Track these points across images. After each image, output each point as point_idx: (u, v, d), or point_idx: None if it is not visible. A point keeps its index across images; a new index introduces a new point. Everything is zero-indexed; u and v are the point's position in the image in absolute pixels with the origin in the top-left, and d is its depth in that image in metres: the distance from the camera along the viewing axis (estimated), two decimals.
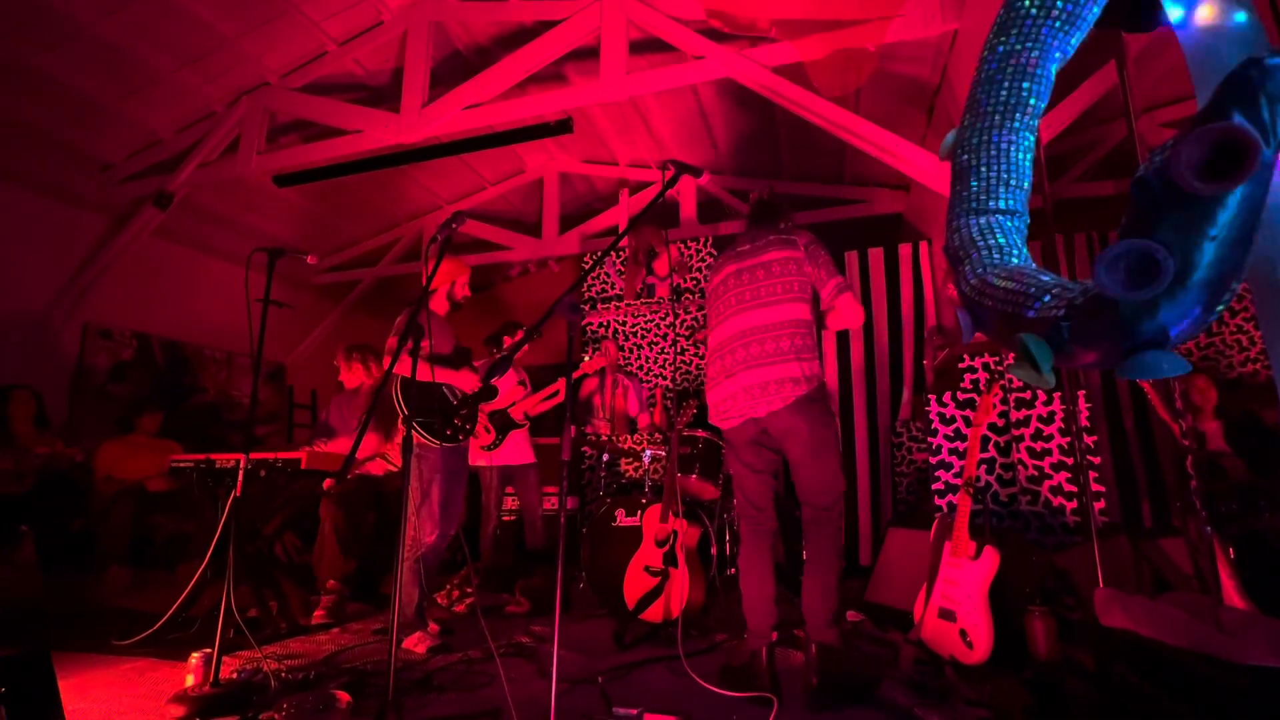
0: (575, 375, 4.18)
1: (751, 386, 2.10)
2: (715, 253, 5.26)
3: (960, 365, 3.35)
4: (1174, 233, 0.38)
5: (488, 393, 2.58)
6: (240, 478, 2.14)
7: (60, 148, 4.53)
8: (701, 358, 5.04)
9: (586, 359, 4.18)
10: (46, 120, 4.32)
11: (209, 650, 1.90)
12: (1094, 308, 0.44)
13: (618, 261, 5.44)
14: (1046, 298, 0.49)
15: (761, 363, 2.10)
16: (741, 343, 2.16)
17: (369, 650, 2.46)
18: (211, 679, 1.87)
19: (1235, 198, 0.37)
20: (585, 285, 5.51)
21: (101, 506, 3.84)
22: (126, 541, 3.78)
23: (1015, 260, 0.60)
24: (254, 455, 2.46)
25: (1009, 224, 0.63)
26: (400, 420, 2.40)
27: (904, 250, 4.86)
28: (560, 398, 4.11)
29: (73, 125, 4.44)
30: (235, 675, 2.00)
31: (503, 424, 3.58)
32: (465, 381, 2.58)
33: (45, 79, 4.01)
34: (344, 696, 1.78)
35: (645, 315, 5.23)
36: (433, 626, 2.54)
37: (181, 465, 2.67)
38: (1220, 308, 0.42)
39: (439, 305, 2.72)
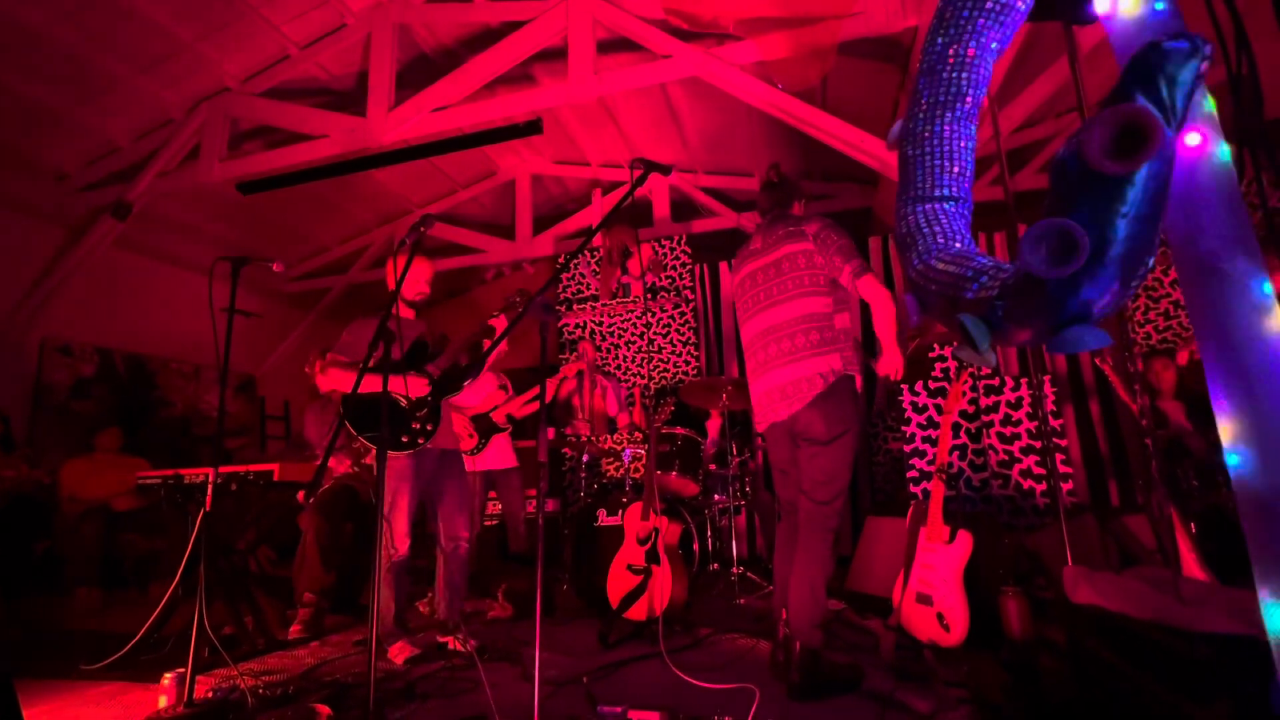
0: (557, 378, 4.16)
1: (773, 389, 2.14)
2: (689, 251, 5.29)
3: (931, 355, 3.42)
4: (1090, 211, 0.40)
5: (443, 388, 2.50)
6: (210, 492, 2.10)
7: (12, 157, 4.38)
8: (677, 354, 5.07)
9: (566, 362, 4.17)
10: None
11: (182, 670, 1.86)
12: (1024, 286, 0.46)
13: (592, 262, 5.44)
14: (983, 279, 0.51)
15: (781, 362, 2.11)
16: (762, 343, 2.19)
17: (349, 662, 2.43)
18: (186, 699, 1.83)
19: (1143, 175, 0.39)
20: (560, 286, 5.49)
21: (67, 527, 3.72)
22: (95, 562, 3.67)
23: (957, 245, 0.62)
24: (224, 469, 2.40)
25: (953, 210, 0.65)
26: (348, 433, 2.34)
27: (873, 244, 4.94)
28: (548, 397, 4.09)
29: (24, 134, 4.29)
30: (211, 694, 1.95)
31: (485, 428, 3.56)
32: (413, 386, 2.46)
33: None
34: (324, 710, 1.75)
35: (621, 315, 5.23)
36: (401, 643, 2.44)
37: (149, 482, 2.60)
38: (1136, 282, 0.44)
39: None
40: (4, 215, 4.59)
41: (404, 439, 2.40)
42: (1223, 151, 0.56)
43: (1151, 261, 0.43)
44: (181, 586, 2.44)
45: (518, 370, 4.12)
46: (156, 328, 5.66)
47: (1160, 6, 0.55)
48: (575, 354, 4.75)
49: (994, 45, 0.64)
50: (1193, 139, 0.55)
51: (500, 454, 3.64)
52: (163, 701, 1.83)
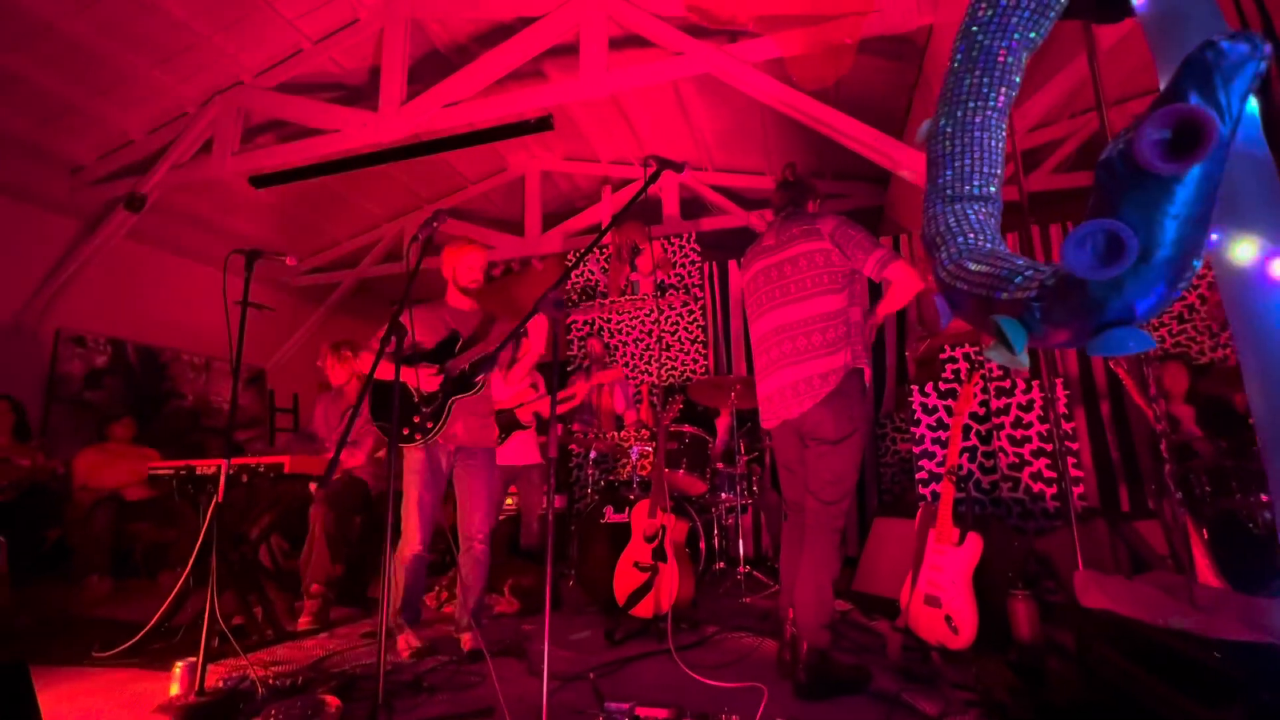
0: (592, 382, 4.14)
1: (784, 387, 2.13)
2: (698, 249, 5.28)
3: (941, 356, 3.39)
4: (1137, 212, 0.39)
5: (454, 387, 2.49)
6: (221, 483, 2.11)
7: (28, 149, 4.42)
8: (686, 352, 5.06)
9: (601, 368, 4.18)
10: (13, 121, 4.21)
11: (193, 659, 1.87)
12: (1063, 288, 0.45)
13: (601, 259, 5.44)
14: (1019, 279, 0.50)
15: (794, 360, 2.10)
16: (775, 340, 2.18)
17: (357, 654, 2.44)
18: (197, 688, 1.85)
19: (1194, 176, 0.38)
20: (569, 283, 5.50)
21: (78, 516, 3.75)
22: (106, 551, 3.71)
23: (989, 245, 0.61)
24: (235, 460, 2.42)
25: (983, 209, 0.64)
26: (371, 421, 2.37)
27: (884, 244, 4.92)
28: (578, 400, 4.05)
29: (41, 126, 4.33)
30: (221, 684, 1.97)
31: (506, 423, 3.55)
32: (424, 379, 2.45)
33: (11, 78, 3.91)
34: (333, 701, 1.77)
35: (630, 312, 5.23)
36: (407, 634, 2.45)
37: (160, 472, 2.62)
38: (1183, 285, 0.43)
39: (451, 297, 2.65)
40: (20, 207, 4.63)
41: (405, 431, 2.41)
42: (1264, 151, 0.55)
43: (1199, 264, 0.42)
44: (192, 576, 2.46)
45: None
46: (168, 319, 5.71)
47: (1201, 2, 0.54)
48: (583, 358, 4.76)
49: (1026, 46, 0.63)
50: (1235, 139, 0.55)
51: (521, 450, 3.64)
52: (174, 690, 1.85)
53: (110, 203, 4.74)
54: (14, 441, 3.62)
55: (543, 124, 4.53)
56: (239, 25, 3.98)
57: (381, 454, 3.46)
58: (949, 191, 0.64)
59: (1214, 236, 0.57)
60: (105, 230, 4.75)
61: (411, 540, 2.40)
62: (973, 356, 3.31)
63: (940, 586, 2.22)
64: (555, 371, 1.83)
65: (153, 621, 2.44)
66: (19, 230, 4.65)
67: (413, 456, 2.42)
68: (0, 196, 4.52)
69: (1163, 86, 0.43)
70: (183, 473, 2.56)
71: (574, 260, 2.31)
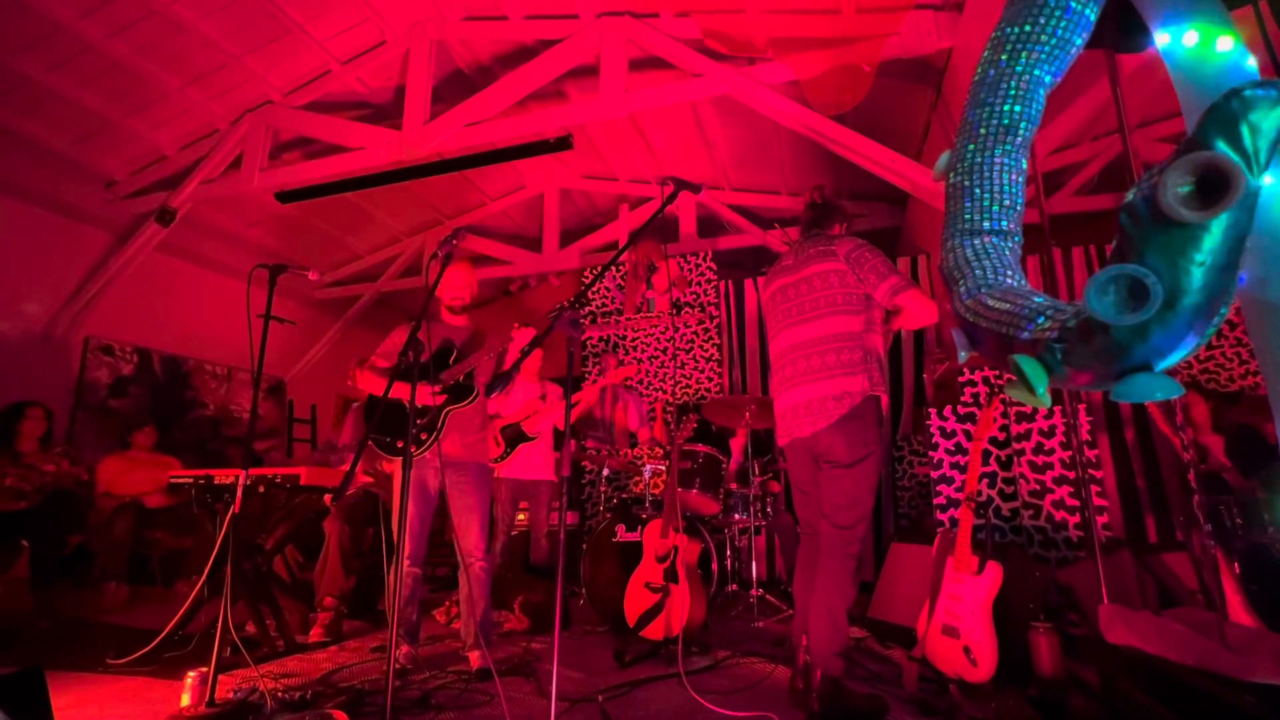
0: (601, 384, 4.12)
1: (798, 405, 2.12)
2: (714, 267, 5.29)
3: (960, 379, 3.35)
4: (1162, 258, 0.39)
5: (454, 397, 2.48)
6: (239, 493, 2.13)
7: (65, 163, 4.57)
8: (700, 371, 5.05)
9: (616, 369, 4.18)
10: (52, 136, 4.37)
11: (205, 669, 1.88)
12: (1086, 331, 0.44)
13: (617, 276, 5.47)
14: (1040, 319, 0.49)
15: (808, 379, 2.10)
16: (790, 358, 2.18)
17: (366, 668, 2.44)
18: (207, 699, 1.85)
19: (1221, 224, 0.37)
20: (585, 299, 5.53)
21: (100, 522, 3.82)
22: (124, 557, 3.76)
23: (1009, 280, 0.61)
24: (253, 471, 2.44)
25: (1002, 244, 0.63)
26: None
27: (902, 264, 4.89)
28: (583, 406, 4.04)
29: (78, 141, 4.49)
30: (232, 695, 1.97)
31: (512, 436, 3.54)
32: (422, 394, 2.42)
33: (52, 95, 4.06)
34: (341, 716, 1.76)
35: (645, 329, 5.24)
36: (404, 648, 2.41)
37: (180, 481, 2.66)
38: (1210, 330, 0.42)
39: (442, 313, 2.67)
40: (56, 219, 4.78)
41: (399, 444, 2.43)
42: None
43: (1227, 310, 0.41)
44: (207, 585, 2.48)
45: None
46: (193, 330, 5.83)
47: (1226, 45, 0.54)
48: (597, 374, 4.75)
49: (1047, 79, 0.63)
50: (1265, 179, 0.54)
51: (528, 464, 3.62)
52: (185, 700, 1.86)
53: (142, 216, 4.87)
54: (40, 447, 3.71)
55: (562, 143, 4.59)
56: (270, 46, 4.11)
57: (381, 466, 3.47)
58: (968, 225, 0.63)
59: (1242, 274, 0.56)
60: (136, 243, 4.89)
61: (405, 553, 2.41)
62: (992, 380, 3.26)
63: (959, 616, 2.17)
64: (569, 389, 1.83)
65: (166, 630, 2.46)
66: (53, 241, 4.79)
67: (418, 471, 2.42)
68: (37, 208, 4.67)
69: (1188, 129, 0.42)
70: (201, 482, 2.59)
71: (590, 279, 2.33)
